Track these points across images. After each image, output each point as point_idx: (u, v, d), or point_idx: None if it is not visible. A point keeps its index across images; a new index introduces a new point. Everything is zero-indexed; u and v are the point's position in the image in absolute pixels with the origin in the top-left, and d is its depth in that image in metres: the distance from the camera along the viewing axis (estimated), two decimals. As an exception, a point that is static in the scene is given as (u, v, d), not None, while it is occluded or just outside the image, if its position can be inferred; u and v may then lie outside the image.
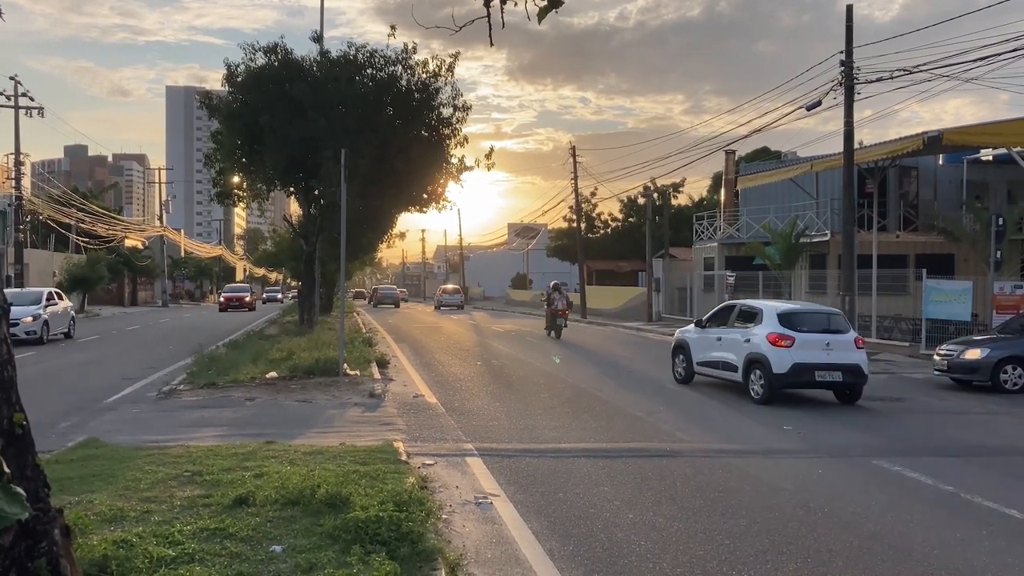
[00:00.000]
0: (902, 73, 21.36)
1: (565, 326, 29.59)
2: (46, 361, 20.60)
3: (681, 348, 17.34)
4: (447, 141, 24.30)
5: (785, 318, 14.80)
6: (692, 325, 17.67)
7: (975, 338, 17.75)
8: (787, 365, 14.15)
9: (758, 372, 14.53)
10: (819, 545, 6.50)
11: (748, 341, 14.95)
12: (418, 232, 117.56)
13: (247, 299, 57.46)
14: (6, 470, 2.89)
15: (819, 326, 14.89)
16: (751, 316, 15.54)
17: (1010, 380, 16.00)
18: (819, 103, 23.23)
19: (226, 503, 6.61)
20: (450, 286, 66.55)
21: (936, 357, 17.30)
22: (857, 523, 7.14)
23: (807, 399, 14.91)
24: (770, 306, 15.64)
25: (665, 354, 20.92)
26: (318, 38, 25.09)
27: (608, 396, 15.00)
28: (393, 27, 22.93)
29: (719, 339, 16.00)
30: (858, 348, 14.71)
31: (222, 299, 58.41)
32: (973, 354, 16.32)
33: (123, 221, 70.32)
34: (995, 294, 21.43)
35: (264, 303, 78.23)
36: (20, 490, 2.90)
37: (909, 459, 9.77)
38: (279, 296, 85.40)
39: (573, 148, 47.67)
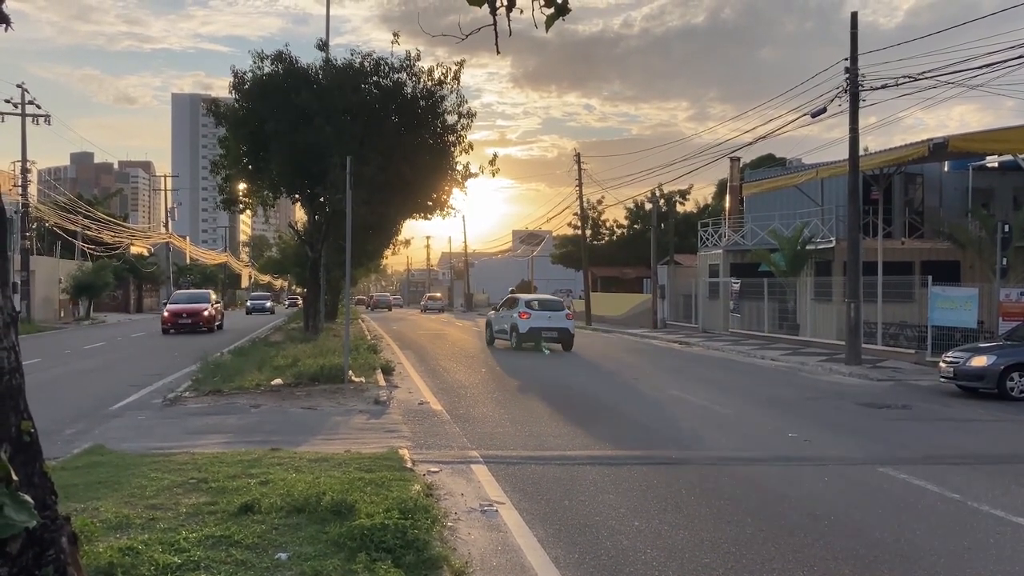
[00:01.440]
0: (907, 80, 21.31)
1: None
2: (52, 368, 20.65)
3: (488, 323, 29.68)
4: (452, 148, 24.38)
5: (528, 303, 27.01)
6: (492, 311, 30.23)
7: (981, 345, 17.68)
8: (527, 328, 26.07)
9: (513, 333, 26.50)
10: (825, 553, 6.48)
11: (512, 316, 26.78)
12: (423, 239, 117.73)
13: (206, 313, 37.06)
14: (14, 478, 2.89)
15: (547, 307, 26.95)
16: (515, 303, 27.52)
17: (1016, 387, 15.94)
18: (824, 110, 23.19)
19: (232, 510, 6.61)
20: (437, 294, 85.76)
21: (942, 364, 17.25)
22: (863, 531, 7.12)
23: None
24: (523, 296, 28.76)
25: (672, 362, 21.71)
26: (323, 46, 25.17)
27: (613, 404, 14.99)
28: (396, 34, 22.98)
29: (502, 316, 27.98)
30: (567, 319, 26.74)
31: (165, 314, 37.10)
32: (979, 361, 16.27)
33: (129, 228, 70.45)
34: (1001, 301, 21.35)
35: (249, 313, 63.59)
36: (28, 498, 2.90)
37: (915, 467, 9.74)
38: (268, 304, 68.43)
39: (578, 155, 47.70)
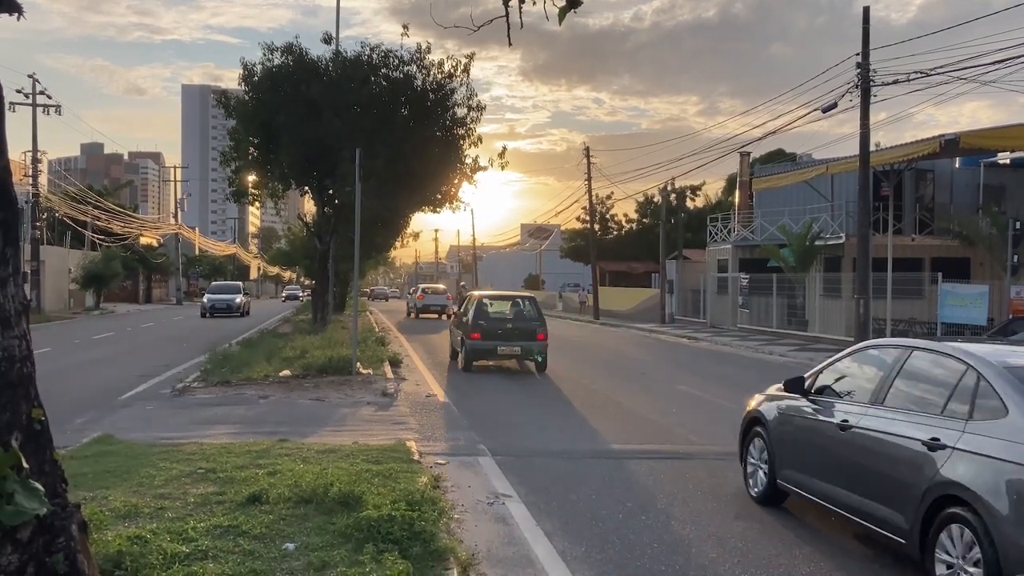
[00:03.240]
0: (919, 75, 21.20)
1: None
2: (61, 358, 20.75)
3: (407, 303, 51.97)
4: (461, 141, 24.29)
5: (423, 290, 48.51)
6: (408, 295, 59.20)
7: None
8: (421, 304, 45.96)
9: (413, 307, 47.30)
10: (832, 550, 6.47)
11: (414, 298, 48.43)
12: (431, 232, 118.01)
13: None
14: (25, 465, 2.91)
15: (435, 292, 47.89)
16: (416, 291, 49.86)
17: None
18: (835, 105, 23.09)
19: (239, 500, 6.63)
20: (427, 287, 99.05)
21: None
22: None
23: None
24: (420, 286, 53.00)
25: (680, 357, 21.56)
26: (332, 38, 25.12)
27: (621, 398, 14.97)
28: (406, 26, 22.86)
29: (411, 299, 49.85)
30: (447, 299, 46.20)
31: None
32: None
33: (138, 219, 70.67)
34: (1012, 298, 21.27)
35: (205, 316, 43.52)
36: (39, 485, 2.92)
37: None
38: (237, 301, 45.67)
39: (587, 149, 47.60)
